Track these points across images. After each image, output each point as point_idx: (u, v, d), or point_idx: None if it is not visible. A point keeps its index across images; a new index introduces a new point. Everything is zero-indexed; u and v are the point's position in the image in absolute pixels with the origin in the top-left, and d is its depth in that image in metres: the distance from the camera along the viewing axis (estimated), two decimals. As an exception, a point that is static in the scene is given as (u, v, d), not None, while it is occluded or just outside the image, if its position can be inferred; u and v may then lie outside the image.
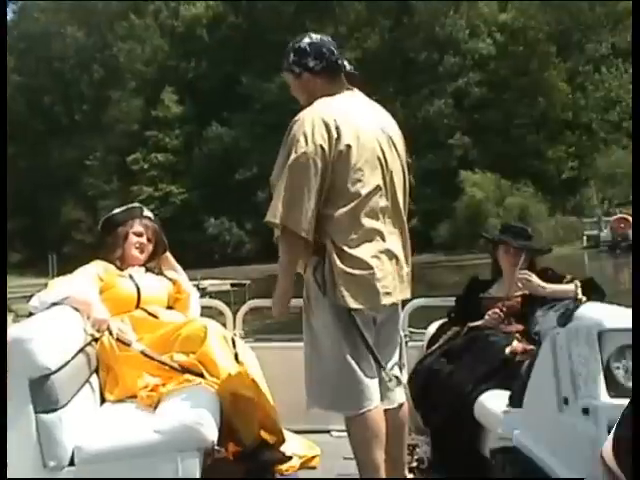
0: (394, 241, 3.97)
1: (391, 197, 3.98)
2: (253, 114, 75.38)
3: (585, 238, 62.31)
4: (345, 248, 3.77)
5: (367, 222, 3.84)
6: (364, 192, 3.83)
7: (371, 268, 3.81)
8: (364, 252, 3.81)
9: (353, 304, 3.77)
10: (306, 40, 4.08)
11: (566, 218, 65.75)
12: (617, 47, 72.21)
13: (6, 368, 3.55)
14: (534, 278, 4.89)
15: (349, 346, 3.81)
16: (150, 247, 5.09)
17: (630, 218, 55.31)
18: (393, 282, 3.92)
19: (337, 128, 3.77)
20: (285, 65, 4.11)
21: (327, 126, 3.76)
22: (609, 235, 59.18)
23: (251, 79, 75.99)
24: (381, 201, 3.91)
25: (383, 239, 3.90)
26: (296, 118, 3.85)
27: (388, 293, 3.88)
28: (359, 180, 3.82)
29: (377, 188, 3.89)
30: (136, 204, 5.34)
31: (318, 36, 4.13)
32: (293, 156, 3.72)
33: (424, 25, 74.45)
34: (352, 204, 3.80)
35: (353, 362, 3.82)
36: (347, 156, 3.79)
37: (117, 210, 5.17)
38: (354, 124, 3.85)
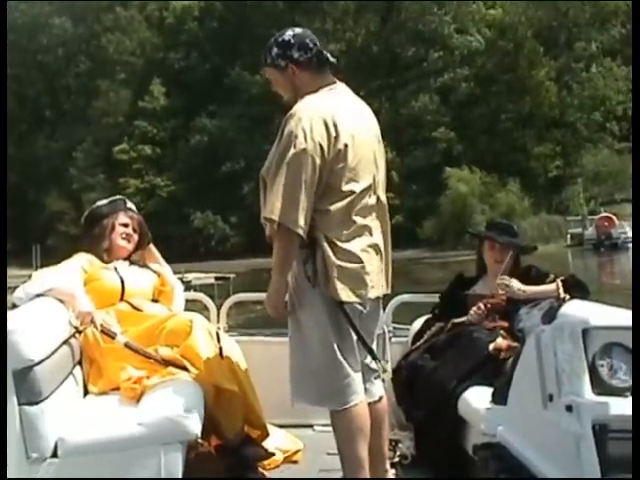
0: (379, 236, 4.00)
1: (378, 194, 4.01)
2: (240, 107, 75.28)
3: (569, 236, 62.47)
4: (337, 242, 3.78)
5: (358, 219, 3.86)
6: (358, 190, 3.85)
7: (362, 262, 3.83)
8: (355, 246, 3.83)
9: (345, 297, 3.78)
10: (289, 32, 4.04)
11: (551, 216, 65.87)
12: (605, 46, 72.32)
13: (6, 365, 3.54)
14: (514, 283, 4.91)
15: (337, 339, 3.82)
16: (136, 238, 5.09)
17: (614, 217, 55.64)
18: (377, 276, 3.95)
19: (335, 126, 3.76)
20: (268, 60, 4.03)
21: (326, 124, 3.74)
22: (593, 233, 59.37)
23: (239, 72, 75.89)
24: (371, 199, 3.95)
25: (371, 234, 3.93)
26: (291, 112, 3.81)
27: (373, 287, 3.91)
28: (353, 179, 3.83)
29: (369, 187, 3.92)
30: (119, 196, 5.33)
31: (299, 29, 4.10)
32: (292, 151, 3.68)
33: (411, 21, 74.44)
34: (345, 201, 3.81)
35: (341, 356, 3.82)
36: (344, 155, 3.79)
37: (101, 202, 5.17)
38: (349, 123, 3.85)
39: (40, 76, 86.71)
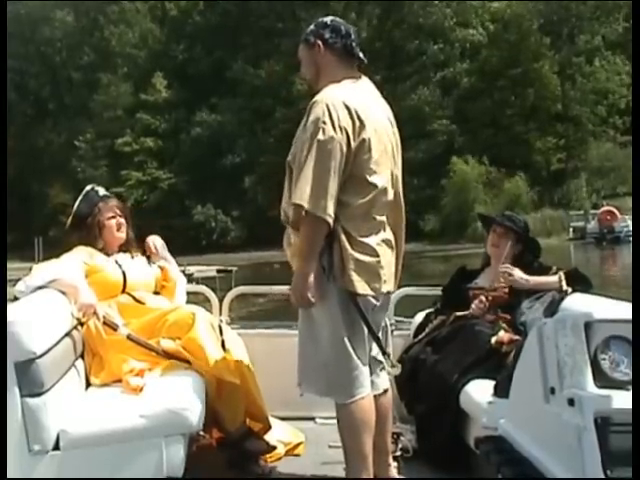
0: (392, 232, 4.03)
1: (395, 190, 4.05)
2: (242, 100, 75.22)
3: (571, 230, 62.37)
4: (356, 235, 3.80)
5: (378, 215, 3.90)
6: (380, 184, 3.87)
7: (378, 255, 3.86)
8: (372, 240, 3.85)
9: (361, 289, 3.80)
10: (330, 17, 4.15)
11: (553, 210, 65.72)
12: (608, 39, 72.19)
13: (6, 363, 3.54)
14: (516, 272, 4.91)
15: (349, 332, 3.84)
16: (124, 222, 5.03)
17: (616, 210, 55.56)
18: (389, 271, 3.98)
19: (359, 118, 3.79)
20: (302, 37, 4.14)
21: (350, 114, 3.77)
22: (596, 227, 59.23)
23: (241, 65, 75.84)
24: (389, 194, 3.98)
25: (385, 230, 3.97)
26: (317, 99, 3.83)
27: (386, 281, 3.94)
28: (376, 172, 3.86)
29: (388, 182, 3.96)
30: (88, 187, 5.17)
31: (342, 20, 4.18)
32: (321, 138, 3.70)
33: (412, 15, 74.29)
34: (369, 197, 3.84)
35: (351, 348, 3.84)
36: (368, 147, 3.82)
37: (77, 204, 5.03)
38: (372, 116, 3.89)
39: (43, 68, 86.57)
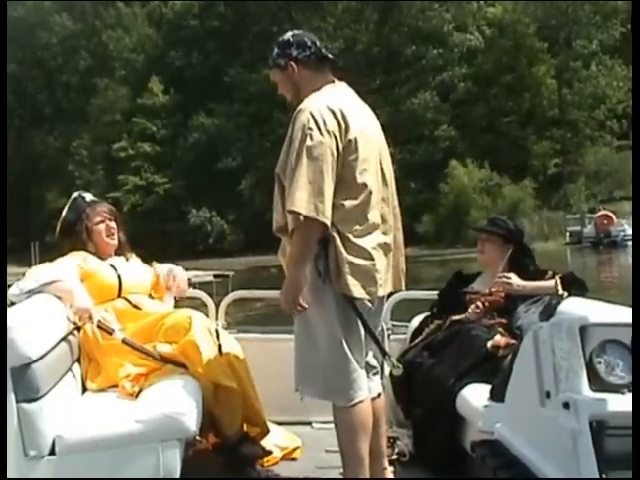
0: (389, 236, 4.03)
1: (389, 188, 4.07)
2: (238, 104, 75.17)
3: (568, 234, 62.35)
4: (350, 237, 3.80)
5: (371, 216, 3.89)
6: (370, 184, 3.88)
7: (373, 259, 3.85)
8: (367, 243, 3.85)
9: (357, 293, 3.80)
10: (289, 33, 4.15)
11: (550, 214, 65.65)
12: (605, 44, 72.23)
13: (6, 365, 3.53)
14: (513, 280, 4.92)
15: (346, 336, 3.84)
16: (115, 225, 4.99)
17: (613, 215, 55.60)
18: (385, 274, 3.97)
19: (344, 119, 3.80)
20: (271, 62, 4.14)
21: (335, 116, 3.79)
22: (592, 231, 59.23)
23: (237, 70, 75.81)
24: (381, 194, 3.98)
25: (381, 232, 3.96)
26: (301, 108, 3.85)
27: (381, 285, 3.93)
28: (365, 170, 3.86)
29: (379, 181, 3.97)
30: (75, 194, 5.13)
31: (300, 31, 4.21)
32: (310, 144, 3.70)
33: (411, 19, 74.26)
34: (361, 197, 3.84)
35: (349, 352, 3.85)
36: (355, 147, 3.82)
37: (64, 212, 5.03)
38: (356, 117, 3.90)
39: (39, 73, 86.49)
